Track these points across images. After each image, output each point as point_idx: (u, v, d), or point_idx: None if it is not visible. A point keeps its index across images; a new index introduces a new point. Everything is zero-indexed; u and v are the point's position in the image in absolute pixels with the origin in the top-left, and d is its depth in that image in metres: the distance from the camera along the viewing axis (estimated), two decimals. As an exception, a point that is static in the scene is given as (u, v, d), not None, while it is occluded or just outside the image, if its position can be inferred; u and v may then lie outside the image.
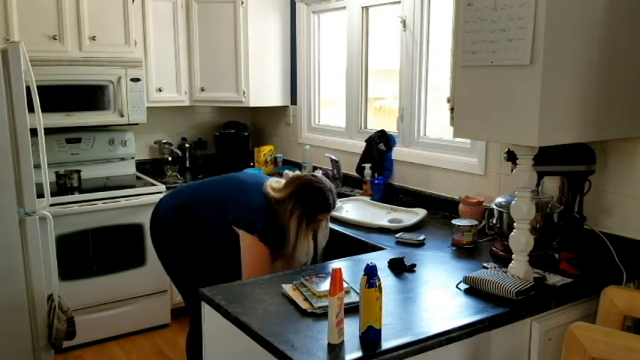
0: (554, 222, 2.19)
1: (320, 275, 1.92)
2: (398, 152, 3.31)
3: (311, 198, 2.41)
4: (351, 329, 1.60)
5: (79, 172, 3.61)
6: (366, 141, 3.41)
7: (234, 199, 2.50)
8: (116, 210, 3.49)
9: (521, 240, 1.95)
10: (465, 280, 1.95)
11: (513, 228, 1.98)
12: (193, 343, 2.58)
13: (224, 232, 2.46)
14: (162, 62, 3.91)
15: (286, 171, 3.62)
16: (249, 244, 2.42)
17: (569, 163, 2.23)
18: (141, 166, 4.17)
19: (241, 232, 2.42)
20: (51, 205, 2.92)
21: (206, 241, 2.54)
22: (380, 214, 2.97)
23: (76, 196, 3.41)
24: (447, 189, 3.02)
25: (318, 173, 2.62)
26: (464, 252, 2.38)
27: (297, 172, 2.59)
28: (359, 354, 1.51)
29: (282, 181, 2.54)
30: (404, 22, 3.21)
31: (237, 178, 2.65)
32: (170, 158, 4.20)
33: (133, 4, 3.71)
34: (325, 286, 1.78)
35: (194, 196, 2.61)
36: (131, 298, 3.61)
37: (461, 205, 2.77)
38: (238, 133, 4.40)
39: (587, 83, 1.85)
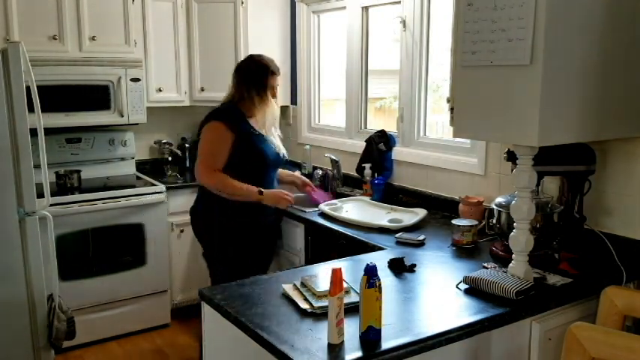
0: (554, 222, 2.19)
1: (319, 275, 1.92)
2: (398, 152, 3.31)
3: (257, 71, 2.79)
4: (351, 329, 1.59)
5: (79, 172, 3.61)
6: (366, 141, 3.41)
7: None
8: (116, 210, 3.49)
9: (521, 240, 1.95)
10: (465, 280, 1.95)
11: (513, 228, 1.98)
12: None
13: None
14: (162, 62, 3.91)
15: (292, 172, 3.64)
16: (210, 129, 2.73)
17: (569, 163, 2.23)
18: (141, 166, 4.17)
19: (205, 128, 2.73)
20: (51, 205, 2.91)
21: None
22: (380, 214, 2.97)
23: (76, 196, 3.41)
24: (447, 189, 3.02)
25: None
26: (464, 252, 2.38)
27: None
28: (359, 354, 1.51)
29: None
30: (404, 22, 3.21)
31: None
32: (170, 158, 4.19)
33: (133, 4, 3.71)
34: (325, 286, 1.78)
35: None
36: (131, 298, 3.61)
37: (461, 205, 2.77)
38: (238, 133, 4.39)
39: (587, 83, 1.85)
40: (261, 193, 2.75)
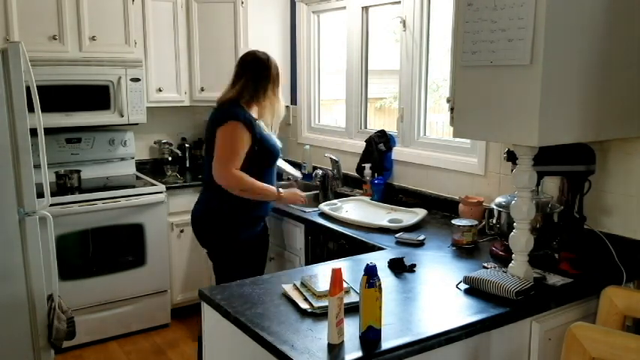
0: (554, 222, 2.20)
1: (319, 275, 1.92)
2: (398, 152, 3.31)
3: (264, 67, 2.78)
4: (351, 329, 1.59)
5: (79, 172, 3.61)
6: (366, 141, 3.41)
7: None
8: (116, 210, 3.49)
9: (521, 240, 1.95)
10: (465, 280, 1.95)
11: (513, 228, 1.98)
12: None
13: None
14: (162, 62, 3.91)
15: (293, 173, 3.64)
16: (226, 130, 2.67)
17: (569, 163, 2.23)
18: (141, 166, 4.17)
19: (220, 129, 2.67)
20: (51, 205, 2.91)
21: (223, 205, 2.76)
22: (380, 214, 2.97)
23: (76, 196, 3.42)
24: (447, 189, 3.02)
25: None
26: (464, 252, 2.38)
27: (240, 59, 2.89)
28: (359, 354, 1.51)
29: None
30: (404, 22, 3.21)
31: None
32: (170, 158, 4.19)
33: (133, 4, 3.71)
34: (325, 286, 1.78)
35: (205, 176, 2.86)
36: (131, 298, 3.61)
37: (461, 205, 2.77)
38: (238, 133, 4.39)
39: (587, 83, 1.85)
40: (279, 192, 2.81)
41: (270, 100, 2.79)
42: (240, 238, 2.76)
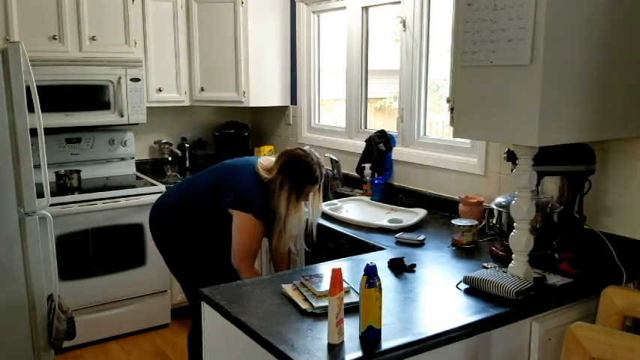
0: (554, 222, 2.19)
1: (319, 275, 1.92)
2: (398, 152, 3.31)
3: (298, 171, 2.51)
4: (351, 329, 1.59)
5: (79, 172, 3.61)
6: (366, 141, 3.41)
7: (227, 185, 2.56)
8: (116, 210, 3.49)
9: (521, 240, 1.95)
10: (465, 280, 1.95)
11: (513, 228, 1.98)
12: (195, 340, 2.60)
13: (222, 220, 2.51)
14: (162, 62, 3.91)
15: None
16: (243, 221, 2.49)
17: (569, 163, 2.22)
18: (141, 166, 4.17)
19: (236, 213, 2.49)
20: (51, 205, 2.91)
21: (204, 234, 2.59)
22: (380, 214, 2.97)
23: (76, 196, 3.42)
24: (447, 189, 3.02)
25: (307, 147, 2.68)
26: (464, 252, 2.38)
27: (287, 148, 2.67)
28: (359, 354, 1.51)
29: (272, 159, 2.62)
30: (404, 22, 3.21)
31: (227, 164, 2.71)
32: (170, 158, 4.19)
33: (133, 4, 3.71)
34: (325, 286, 1.78)
35: (187, 194, 2.67)
36: (131, 298, 3.61)
37: (461, 205, 2.77)
38: (238, 133, 4.40)
39: (587, 83, 1.85)
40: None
41: (286, 205, 2.50)
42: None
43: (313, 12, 4.00)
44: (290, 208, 2.50)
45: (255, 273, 2.58)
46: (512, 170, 2.06)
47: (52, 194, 3.00)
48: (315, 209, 2.64)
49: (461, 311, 1.79)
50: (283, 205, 2.49)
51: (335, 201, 3.18)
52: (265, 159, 2.66)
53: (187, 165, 4.31)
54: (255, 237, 2.54)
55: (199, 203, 2.59)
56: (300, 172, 2.52)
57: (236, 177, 2.58)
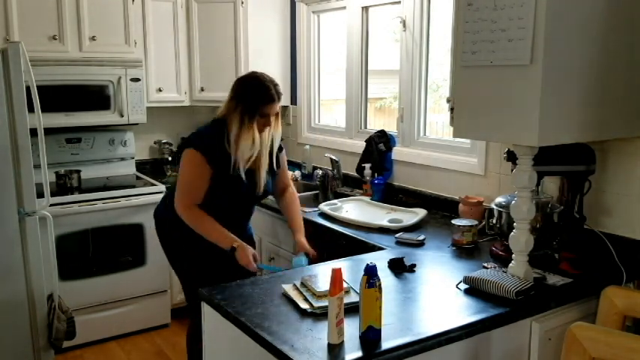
0: (554, 222, 2.19)
1: (319, 275, 1.92)
2: (398, 152, 3.31)
3: (248, 92, 2.44)
4: (351, 329, 1.59)
5: (79, 172, 3.61)
6: (366, 141, 3.41)
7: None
8: (116, 210, 3.49)
9: (521, 240, 1.95)
10: (465, 280, 1.95)
11: (513, 228, 1.98)
12: (194, 338, 2.59)
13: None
14: (162, 62, 3.91)
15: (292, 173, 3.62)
16: (187, 156, 2.46)
17: (569, 163, 2.22)
18: (141, 166, 4.17)
19: (183, 153, 2.47)
20: (51, 205, 2.92)
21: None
22: (380, 214, 2.97)
23: (76, 196, 3.42)
24: (447, 189, 3.02)
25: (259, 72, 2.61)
26: (464, 252, 2.38)
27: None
28: (359, 354, 1.51)
29: None
30: (404, 22, 3.21)
31: None
32: (170, 158, 4.19)
33: (133, 4, 3.71)
34: (325, 286, 1.78)
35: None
36: (131, 298, 3.61)
37: (461, 205, 2.77)
38: (238, 133, 4.39)
39: (587, 83, 1.85)
40: (233, 249, 2.38)
41: (238, 129, 2.41)
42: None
43: (313, 12, 4.00)
44: (242, 130, 2.40)
45: (196, 217, 2.43)
46: (512, 170, 2.06)
47: (52, 194, 3.00)
48: (277, 132, 2.56)
49: (461, 311, 1.78)
50: (235, 127, 2.40)
51: (335, 201, 3.18)
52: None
53: (187, 165, 4.30)
54: (197, 174, 2.41)
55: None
56: (250, 92, 2.43)
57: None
